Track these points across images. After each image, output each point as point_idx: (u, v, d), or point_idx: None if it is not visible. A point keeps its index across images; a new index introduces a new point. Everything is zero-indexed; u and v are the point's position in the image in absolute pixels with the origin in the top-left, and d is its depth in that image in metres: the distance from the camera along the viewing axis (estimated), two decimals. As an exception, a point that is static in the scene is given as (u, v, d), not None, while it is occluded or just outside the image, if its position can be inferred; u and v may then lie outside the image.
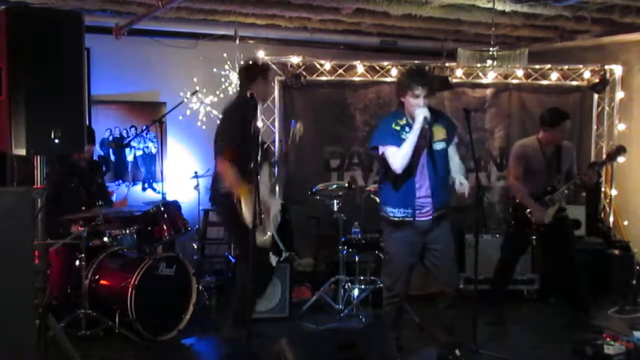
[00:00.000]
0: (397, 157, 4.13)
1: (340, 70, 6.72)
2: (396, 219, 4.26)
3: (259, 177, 4.01)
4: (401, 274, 4.33)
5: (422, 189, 4.24)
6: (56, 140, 3.43)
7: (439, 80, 6.64)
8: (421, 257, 4.35)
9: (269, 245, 4.41)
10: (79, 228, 4.83)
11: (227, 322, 4.62)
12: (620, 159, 5.73)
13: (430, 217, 4.26)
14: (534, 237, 5.57)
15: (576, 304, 5.46)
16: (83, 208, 5.11)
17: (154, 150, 6.94)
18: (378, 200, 4.54)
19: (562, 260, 5.39)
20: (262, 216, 3.99)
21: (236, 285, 4.60)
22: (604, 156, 5.31)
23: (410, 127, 4.15)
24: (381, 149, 4.25)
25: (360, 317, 5.41)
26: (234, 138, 4.16)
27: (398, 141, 4.17)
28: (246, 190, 4.10)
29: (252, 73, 4.46)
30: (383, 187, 4.40)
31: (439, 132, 4.29)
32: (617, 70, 7.05)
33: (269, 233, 4.38)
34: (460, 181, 4.31)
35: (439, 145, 4.27)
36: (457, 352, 4.36)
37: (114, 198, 6.31)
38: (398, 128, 4.21)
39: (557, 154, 5.34)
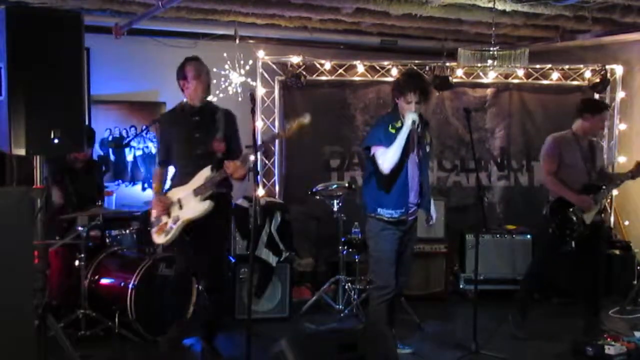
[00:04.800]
0: (386, 157, 4.17)
1: (341, 70, 6.72)
2: (393, 219, 4.29)
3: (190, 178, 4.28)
4: (393, 271, 4.36)
5: (413, 190, 4.31)
6: (56, 140, 3.42)
7: (439, 81, 6.65)
8: None
9: (163, 243, 4.40)
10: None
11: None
12: (621, 159, 5.65)
13: (414, 216, 4.39)
14: (574, 237, 5.05)
15: (589, 307, 5.26)
16: (70, 210, 5.09)
17: (153, 150, 6.93)
18: (363, 200, 4.48)
19: (594, 262, 5.16)
20: (164, 218, 4.32)
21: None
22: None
23: None
24: (373, 149, 4.28)
25: (360, 317, 5.41)
26: (161, 146, 4.50)
27: (392, 143, 4.19)
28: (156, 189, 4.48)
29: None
30: (373, 188, 4.37)
31: (426, 136, 4.39)
32: (618, 70, 7.04)
33: (166, 236, 4.31)
34: (432, 215, 4.56)
35: (427, 148, 4.38)
36: None
37: (113, 198, 6.31)
38: (394, 131, 4.23)
39: (591, 149, 5.18)
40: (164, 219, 4.34)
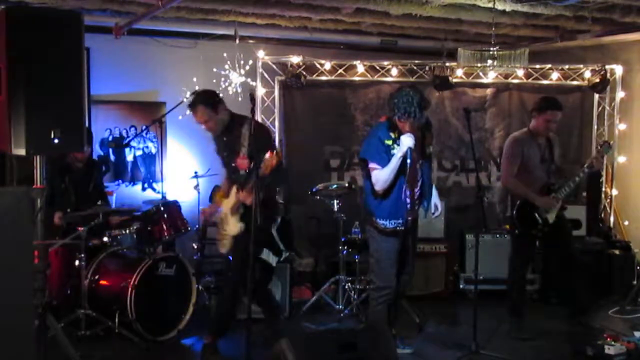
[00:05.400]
0: (379, 179, 4.19)
1: (341, 70, 6.72)
2: (388, 229, 4.28)
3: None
4: (393, 271, 4.37)
5: (413, 193, 4.30)
6: (56, 140, 3.42)
7: (439, 81, 6.65)
8: None
9: (225, 253, 4.60)
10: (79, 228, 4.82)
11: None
12: (621, 159, 5.61)
13: (412, 216, 4.37)
14: (539, 237, 5.21)
15: (574, 306, 5.35)
16: (68, 210, 5.09)
17: (153, 150, 6.93)
18: (364, 200, 4.48)
19: (562, 260, 5.27)
20: (222, 229, 4.54)
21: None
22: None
23: None
24: (368, 163, 4.28)
25: (360, 317, 5.41)
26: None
27: (387, 157, 4.19)
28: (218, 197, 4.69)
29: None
30: (369, 195, 4.36)
31: (429, 137, 4.38)
32: (618, 70, 7.04)
33: (224, 247, 4.56)
34: (436, 204, 4.55)
35: (428, 150, 4.38)
36: None
37: (113, 198, 6.31)
38: (389, 142, 4.22)
39: (549, 147, 5.20)
40: (222, 230, 4.55)
